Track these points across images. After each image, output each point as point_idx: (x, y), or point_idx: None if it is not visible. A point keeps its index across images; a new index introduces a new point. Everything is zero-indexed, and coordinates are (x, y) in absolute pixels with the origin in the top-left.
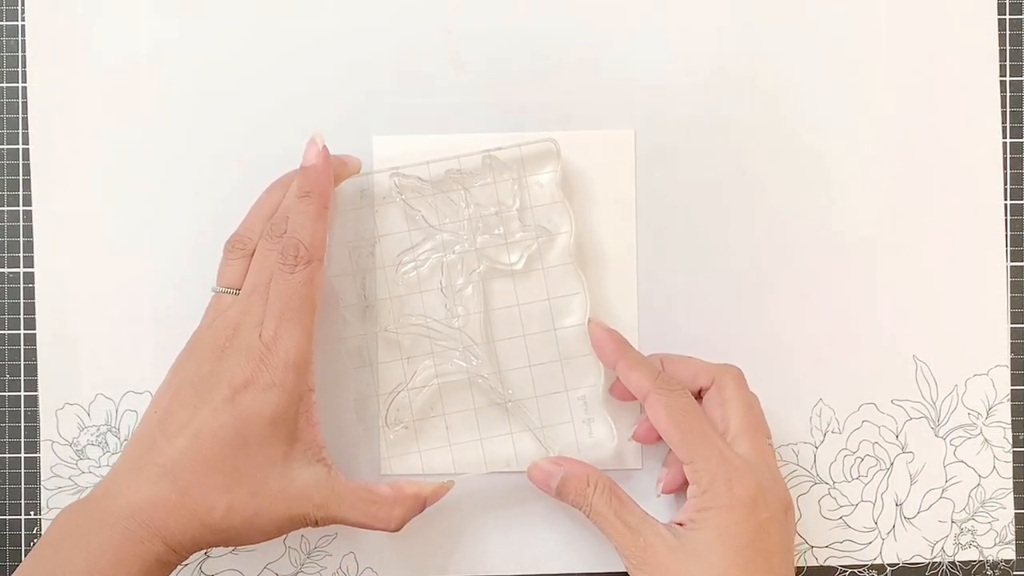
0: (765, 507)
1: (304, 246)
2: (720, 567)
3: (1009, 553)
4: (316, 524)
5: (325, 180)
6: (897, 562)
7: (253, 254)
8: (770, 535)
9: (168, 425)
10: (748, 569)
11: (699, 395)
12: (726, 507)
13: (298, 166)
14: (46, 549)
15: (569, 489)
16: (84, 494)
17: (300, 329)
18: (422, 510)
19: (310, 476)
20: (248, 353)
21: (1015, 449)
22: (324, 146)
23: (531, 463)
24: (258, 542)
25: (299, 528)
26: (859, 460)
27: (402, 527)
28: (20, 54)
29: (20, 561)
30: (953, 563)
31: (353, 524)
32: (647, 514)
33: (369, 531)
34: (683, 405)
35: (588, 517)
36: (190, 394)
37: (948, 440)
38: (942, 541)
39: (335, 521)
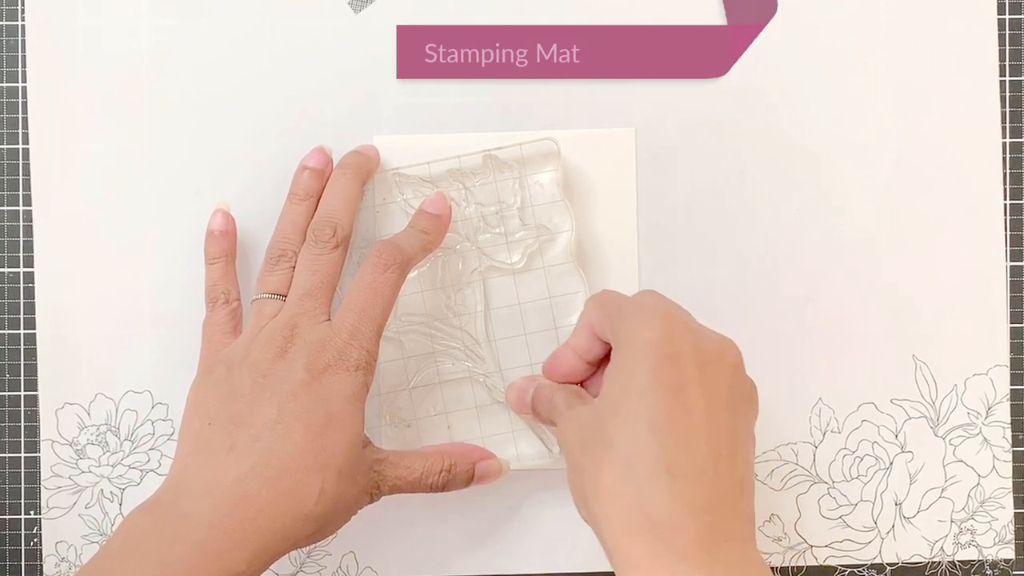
0: (690, 356)
1: (406, 255)
2: (632, 432)
3: (1008, 553)
4: (379, 493)
5: (444, 230)
6: (897, 561)
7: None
8: (692, 387)
9: (240, 419)
10: (665, 426)
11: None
12: (636, 361)
13: (297, 166)
14: (105, 563)
15: (541, 400)
16: (83, 495)
17: (376, 329)
18: (470, 477)
19: (369, 451)
20: (321, 344)
21: (1014, 449)
22: (449, 206)
23: (508, 387)
24: (337, 529)
25: (365, 505)
26: (858, 460)
27: (447, 486)
28: (20, 54)
29: (20, 561)
30: (953, 563)
31: (408, 486)
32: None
33: (368, 530)
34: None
35: (555, 423)
36: (254, 390)
37: (947, 440)
38: (941, 540)
39: (394, 488)
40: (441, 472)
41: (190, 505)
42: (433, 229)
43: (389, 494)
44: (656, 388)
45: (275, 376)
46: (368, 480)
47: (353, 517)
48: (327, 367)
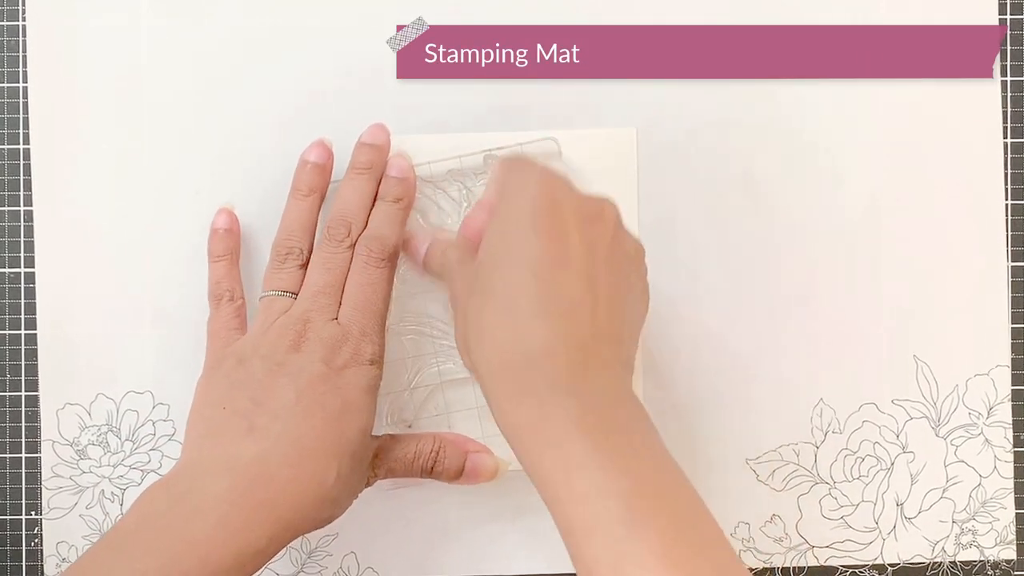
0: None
1: (389, 244)
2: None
3: (1010, 553)
4: (375, 477)
5: (413, 192)
6: (898, 562)
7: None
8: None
9: (256, 401)
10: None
11: None
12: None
13: (298, 159)
14: (122, 538)
15: (433, 256)
16: (84, 495)
17: (381, 322)
18: (460, 467)
19: (372, 438)
20: (336, 342)
21: (1016, 449)
22: (411, 164)
23: (406, 239)
24: (342, 513)
25: (362, 490)
26: (860, 460)
27: (435, 469)
28: (20, 54)
29: (21, 561)
30: (954, 563)
31: (401, 467)
32: None
33: (369, 531)
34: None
35: (444, 280)
36: (269, 376)
37: (949, 440)
38: (943, 541)
39: (389, 471)
40: (431, 454)
41: (210, 482)
42: (404, 194)
43: (384, 477)
44: (537, 235)
45: (292, 365)
46: (367, 468)
47: (354, 518)
48: (345, 365)
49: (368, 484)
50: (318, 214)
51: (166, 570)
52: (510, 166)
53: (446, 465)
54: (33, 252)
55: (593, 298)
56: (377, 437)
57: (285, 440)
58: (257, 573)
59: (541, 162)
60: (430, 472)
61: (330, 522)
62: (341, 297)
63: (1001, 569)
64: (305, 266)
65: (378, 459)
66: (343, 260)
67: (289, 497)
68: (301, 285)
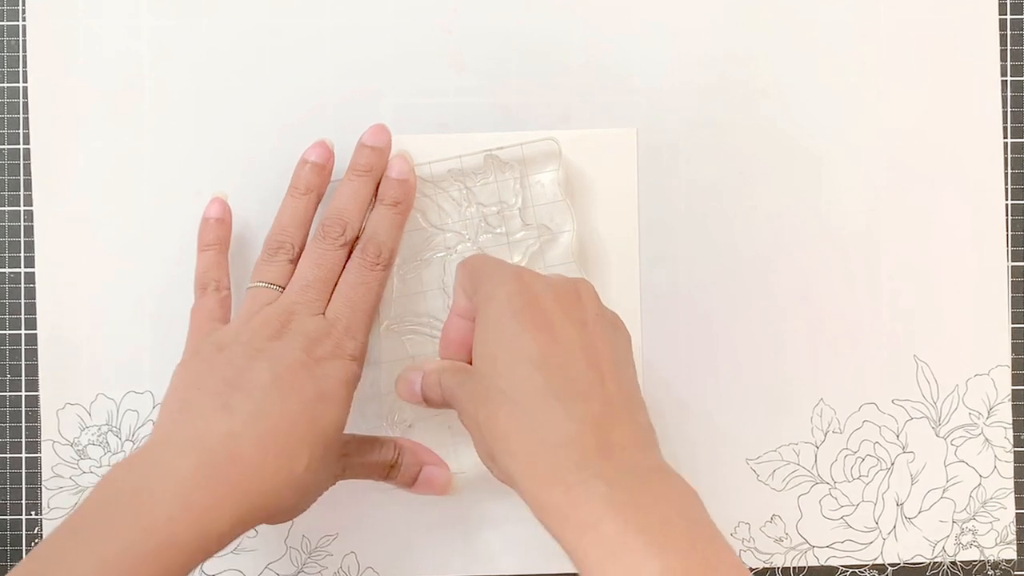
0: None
1: (387, 249)
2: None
3: (1010, 553)
4: (342, 476)
5: (413, 195)
6: (898, 562)
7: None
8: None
9: (232, 382)
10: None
11: None
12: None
13: (299, 159)
14: (81, 522)
15: (430, 386)
16: (84, 495)
17: (367, 323)
18: (414, 477)
19: (345, 435)
20: (318, 334)
21: (1016, 449)
22: (411, 166)
23: (396, 380)
24: (306, 509)
25: (328, 488)
26: (860, 460)
27: (391, 476)
28: (20, 54)
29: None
30: (954, 563)
31: (363, 470)
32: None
33: (369, 531)
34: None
35: (450, 403)
36: (247, 360)
37: (949, 440)
38: (943, 541)
39: (354, 473)
40: (390, 459)
41: (176, 459)
42: (403, 196)
43: (348, 478)
44: (525, 329)
45: (271, 351)
46: (337, 464)
47: (354, 518)
48: (324, 357)
49: (334, 482)
50: (314, 213)
51: (126, 553)
52: (477, 271)
53: (401, 472)
54: (33, 252)
55: (598, 372)
56: (348, 435)
57: (258, 420)
58: (255, 573)
59: (507, 262)
60: (386, 477)
61: (295, 514)
62: (329, 295)
63: (1001, 569)
64: (295, 262)
65: (347, 458)
66: (335, 258)
67: (257, 479)
68: (289, 279)
